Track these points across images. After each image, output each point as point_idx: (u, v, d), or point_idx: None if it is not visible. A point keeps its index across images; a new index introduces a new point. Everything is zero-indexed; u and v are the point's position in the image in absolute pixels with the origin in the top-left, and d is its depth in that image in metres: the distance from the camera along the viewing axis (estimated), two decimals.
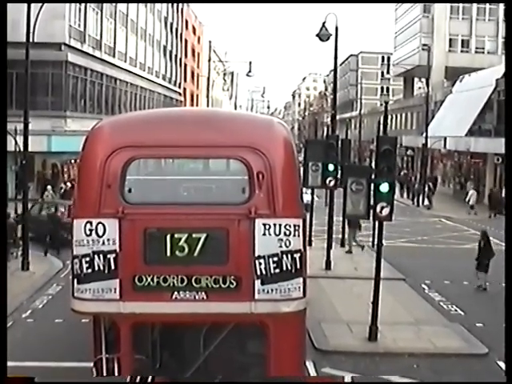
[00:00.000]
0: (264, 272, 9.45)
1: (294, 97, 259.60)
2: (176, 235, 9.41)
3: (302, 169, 28.20)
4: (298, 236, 9.54)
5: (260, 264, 9.42)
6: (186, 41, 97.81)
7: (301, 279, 9.69)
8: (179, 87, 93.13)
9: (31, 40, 26.56)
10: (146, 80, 73.18)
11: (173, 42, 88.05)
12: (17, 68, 35.51)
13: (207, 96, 70.01)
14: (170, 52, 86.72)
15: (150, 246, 9.49)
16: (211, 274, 9.45)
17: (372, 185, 16.37)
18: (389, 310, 19.23)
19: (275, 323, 9.62)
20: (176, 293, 9.46)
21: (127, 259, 9.42)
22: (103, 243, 9.42)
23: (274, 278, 9.49)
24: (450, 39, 79.43)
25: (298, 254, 9.54)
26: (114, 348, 10.03)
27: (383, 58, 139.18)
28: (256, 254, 9.43)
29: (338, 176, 25.71)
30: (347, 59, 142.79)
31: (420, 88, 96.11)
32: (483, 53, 78.34)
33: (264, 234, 9.39)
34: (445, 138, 56.36)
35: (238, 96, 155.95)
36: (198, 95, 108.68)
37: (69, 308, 19.50)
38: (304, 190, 29.34)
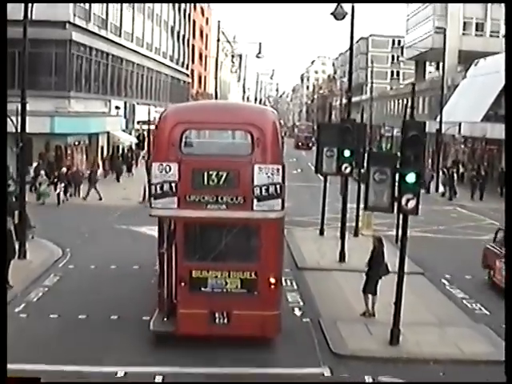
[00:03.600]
0: (259, 194, 15.37)
1: (302, 80, 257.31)
2: (210, 172, 15.34)
3: (314, 153, 27.03)
4: (279, 175, 15.40)
5: (257, 190, 15.35)
6: (194, 22, 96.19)
7: (280, 200, 15.51)
8: (187, 68, 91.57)
9: (29, 18, 25.17)
10: (153, 61, 71.58)
11: (181, 23, 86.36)
12: (18, 47, 33.99)
13: (215, 77, 68.25)
14: (178, 33, 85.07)
15: (194, 178, 15.44)
16: (229, 194, 15.41)
17: (397, 174, 14.90)
18: (409, 309, 17.59)
19: (265, 224, 15.55)
20: (209, 205, 15.43)
21: (182, 185, 15.38)
22: (169, 176, 15.34)
23: (264, 198, 15.39)
24: (465, 22, 77.33)
25: (279, 185, 15.40)
26: (171, 242, 16.43)
27: (393, 41, 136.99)
28: (254, 184, 15.34)
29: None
30: (357, 42, 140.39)
31: (430, 72, 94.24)
32: (498, 37, 76.30)
33: (259, 173, 15.32)
34: (459, 124, 54.69)
35: (247, 78, 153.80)
36: (205, 77, 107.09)
37: (65, 303, 18.37)
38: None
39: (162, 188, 15.35)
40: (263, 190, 15.30)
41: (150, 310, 17.90)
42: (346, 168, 23.73)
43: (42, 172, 38.85)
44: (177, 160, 15.29)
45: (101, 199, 40.03)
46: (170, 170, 15.28)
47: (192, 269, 15.65)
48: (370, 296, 18.27)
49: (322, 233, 30.19)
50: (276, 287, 15.76)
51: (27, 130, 35.85)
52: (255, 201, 15.34)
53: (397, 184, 14.97)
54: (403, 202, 14.75)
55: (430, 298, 20.84)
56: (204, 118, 16.23)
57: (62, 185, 39.17)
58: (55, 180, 39.41)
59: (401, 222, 15.83)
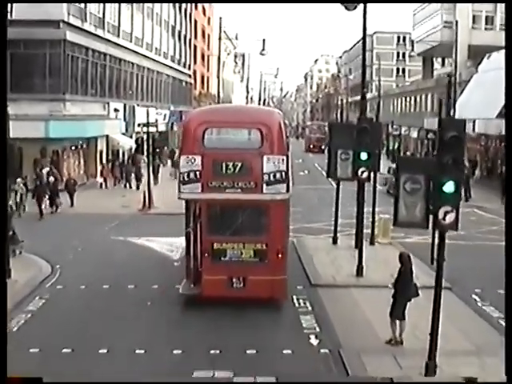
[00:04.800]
0: (268, 179, 18.14)
1: (306, 79, 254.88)
2: (227, 162, 18.21)
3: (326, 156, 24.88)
4: (284, 163, 18.30)
5: (266, 176, 18.15)
6: (195, 21, 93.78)
7: (285, 184, 18.35)
8: (189, 69, 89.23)
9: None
10: (154, 61, 69.20)
11: (182, 23, 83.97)
12: (10, 48, 31.91)
13: (218, 77, 65.77)
14: (179, 33, 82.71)
15: (215, 167, 18.22)
16: (243, 180, 18.25)
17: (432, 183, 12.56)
18: (441, 333, 15.24)
19: (273, 204, 18.38)
20: (227, 189, 18.24)
21: (205, 173, 18.20)
22: (194, 166, 18.20)
23: (272, 182, 18.17)
24: (474, 16, 74.99)
25: (284, 172, 18.26)
26: (196, 220, 19.59)
27: (399, 37, 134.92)
28: (264, 172, 18.15)
29: None
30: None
31: (436, 69, 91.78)
32: None
33: (267, 162, 18.15)
34: (473, 121, 52.24)
35: (250, 78, 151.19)
36: (208, 77, 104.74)
37: (48, 333, 16.07)
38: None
39: (188, 176, 18.37)
40: (271, 176, 18.29)
41: (145, 340, 15.76)
42: (362, 172, 21.44)
43: (19, 180, 33.81)
44: (200, 153, 18.36)
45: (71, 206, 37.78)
46: (194, 161, 18.30)
47: (214, 242, 18.73)
48: (397, 321, 15.94)
49: (335, 241, 27.84)
50: (283, 256, 18.75)
51: (20, 135, 33.83)
52: (265, 185, 18.34)
53: (432, 194, 12.63)
54: (440, 215, 12.45)
55: (462, 318, 18.45)
56: (222, 118, 19.79)
57: (46, 197, 35.63)
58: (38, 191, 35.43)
59: (436, 239, 13.40)
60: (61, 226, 31.84)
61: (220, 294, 18.27)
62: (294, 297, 19.82)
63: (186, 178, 18.36)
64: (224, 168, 18.27)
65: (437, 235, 13.22)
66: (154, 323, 17.55)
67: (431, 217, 12.93)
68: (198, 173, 18.24)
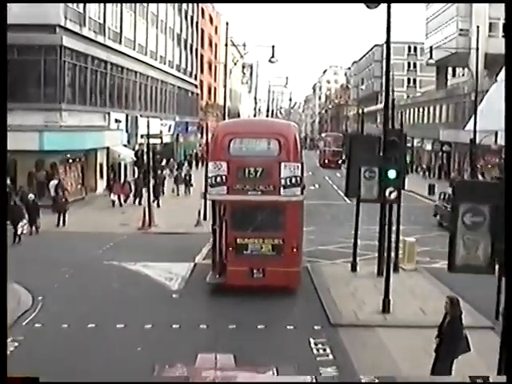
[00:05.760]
0: (284, 183, 20.78)
1: (314, 90, 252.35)
2: (249, 168, 20.92)
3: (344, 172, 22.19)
4: (299, 169, 20.96)
5: (283, 181, 20.76)
6: (202, 30, 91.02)
7: (299, 188, 21.05)
8: (195, 79, 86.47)
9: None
10: (158, 70, 66.37)
11: (188, 31, 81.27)
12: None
13: (224, 86, 62.73)
14: (185, 41, 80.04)
15: (239, 172, 20.96)
16: (263, 184, 20.91)
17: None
18: None
19: (289, 205, 20.99)
20: (249, 192, 20.91)
21: (230, 178, 20.90)
22: (221, 171, 20.87)
23: (288, 186, 20.81)
24: (490, 23, 72.05)
25: (298, 177, 20.92)
26: (222, 219, 22.44)
27: (409, 47, 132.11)
28: (281, 177, 20.78)
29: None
30: (371, 50, 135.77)
31: (448, 80, 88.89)
32: None
33: (284, 169, 20.75)
34: (496, 133, 49.30)
35: (258, 88, 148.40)
36: (215, 88, 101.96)
37: None
38: None
39: (215, 180, 20.81)
40: (287, 181, 20.60)
41: None
42: (390, 193, 18.54)
43: None
44: (226, 160, 20.80)
45: (58, 226, 34.26)
46: (221, 166, 20.69)
47: (237, 237, 21.11)
48: None
49: (354, 268, 24.77)
50: (297, 251, 21.11)
51: (14, 148, 30.92)
52: (282, 188, 20.64)
53: (500, 230, 9.65)
54: None
55: None
56: (245, 130, 22.97)
57: (24, 221, 30.63)
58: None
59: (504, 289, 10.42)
60: (49, 249, 28.68)
61: (242, 283, 20.57)
62: (312, 340, 16.76)
63: (213, 182, 20.90)
64: (247, 173, 20.82)
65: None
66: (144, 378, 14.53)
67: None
68: (224, 177, 20.75)
